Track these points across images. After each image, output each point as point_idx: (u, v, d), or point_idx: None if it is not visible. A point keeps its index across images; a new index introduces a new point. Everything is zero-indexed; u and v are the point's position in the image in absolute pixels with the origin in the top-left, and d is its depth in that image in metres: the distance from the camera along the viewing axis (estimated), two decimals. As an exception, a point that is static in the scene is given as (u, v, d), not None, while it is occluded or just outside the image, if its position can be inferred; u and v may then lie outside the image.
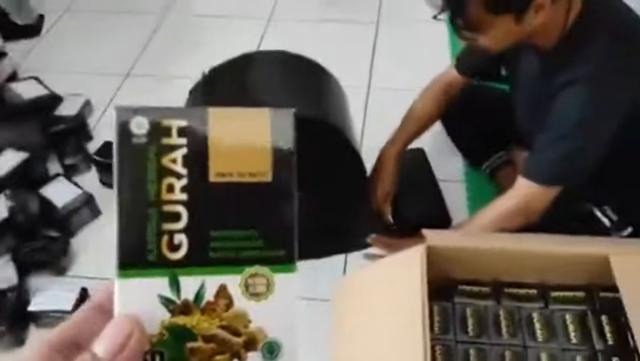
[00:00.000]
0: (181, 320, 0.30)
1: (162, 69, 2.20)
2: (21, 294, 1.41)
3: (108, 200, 1.67)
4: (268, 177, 0.31)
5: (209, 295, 0.30)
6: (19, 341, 1.37)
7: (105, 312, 0.30)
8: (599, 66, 1.09)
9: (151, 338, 0.29)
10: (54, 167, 1.75)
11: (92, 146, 1.81)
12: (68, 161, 1.75)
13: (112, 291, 0.30)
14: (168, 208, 0.30)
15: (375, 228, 1.47)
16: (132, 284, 0.30)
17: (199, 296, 0.30)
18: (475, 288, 1.00)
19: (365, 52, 2.24)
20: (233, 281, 0.31)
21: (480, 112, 1.56)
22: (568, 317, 0.96)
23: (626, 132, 1.17)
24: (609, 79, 1.10)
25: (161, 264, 0.30)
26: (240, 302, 0.31)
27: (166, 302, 0.30)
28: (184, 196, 0.30)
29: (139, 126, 0.30)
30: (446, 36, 2.28)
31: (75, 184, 1.65)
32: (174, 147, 0.30)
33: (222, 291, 0.30)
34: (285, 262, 0.31)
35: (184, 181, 0.30)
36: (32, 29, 2.36)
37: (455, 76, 1.47)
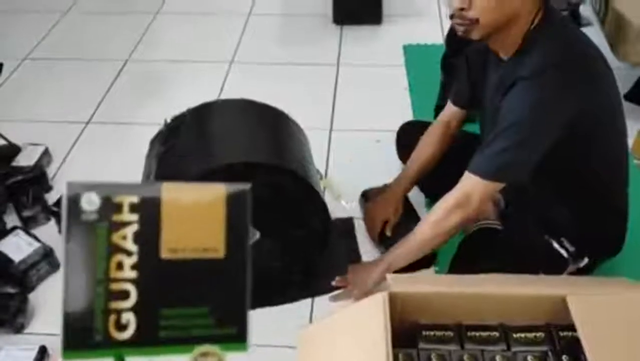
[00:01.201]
0: None
1: (124, 116, 2.19)
2: (-24, 355, 1.36)
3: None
4: (221, 254, 0.31)
5: None
6: (-25, 405, 1.32)
7: None
8: (542, 64, 1.14)
9: None
10: (11, 219, 1.72)
11: (52, 197, 1.78)
12: (26, 213, 1.72)
13: None
14: (116, 286, 0.29)
15: (340, 270, 1.48)
16: None
17: None
18: (439, 333, 1.01)
19: (327, 94, 2.27)
20: None
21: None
22: (530, 359, 0.97)
23: (577, 155, 1.21)
24: (549, 78, 1.14)
25: (108, 345, 0.29)
26: None
27: None
28: (133, 274, 0.30)
29: (90, 203, 0.29)
30: (405, 79, 2.33)
31: (34, 237, 1.61)
32: (125, 224, 0.29)
33: None
34: (236, 340, 0.31)
35: (134, 258, 0.30)
36: (-11, 80, 2.33)
37: (452, 113, 1.53)
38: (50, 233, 1.69)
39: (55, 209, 1.68)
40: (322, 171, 1.82)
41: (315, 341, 1.05)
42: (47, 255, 1.58)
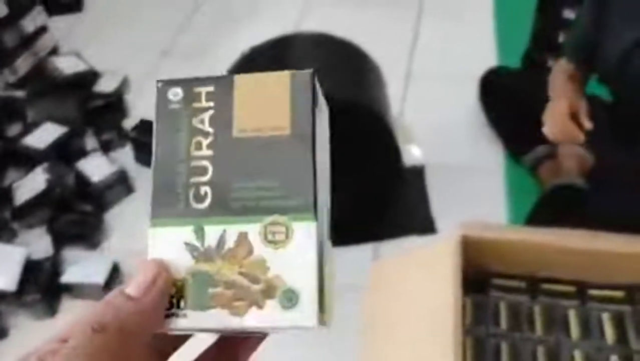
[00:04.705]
0: (204, 266, 0.32)
1: (201, 47, 2.20)
2: (56, 265, 1.43)
3: (142, 177, 1.68)
4: (287, 131, 0.33)
5: (230, 243, 0.32)
6: (52, 311, 1.40)
7: None
8: None
9: (176, 282, 0.32)
10: (90, 142, 1.77)
11: (129, 123, 1.82)
12: (104, 137, 1.77)
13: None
14: (196, 163, 0.33)
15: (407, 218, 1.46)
16: (162, 232, 0.32)
17: (220, 243, 0.32)
18: (510, 282, 0.98)
19: (406, 37, 2.20)
20: (253, 230, 0.32)
21: (527, 102, 1.50)
22: (605, 317, 0.93)
23: None
24: None
25: (188, 214, 0.32)
26: (260, 250, 0.32)
27: (191, 249, 0.32)
28: (209, 152, 0.33)
29: (175, 95, 0.34)
30: (491, 23, 2.22)
31: (111, 160, 1.66)
32: (202, 110, 0.34)
33: (242, 239, 0.32)
34: (304, 211, 0.32)
35: (210, 139, 0.33)
36: (75, 5, 2.39)
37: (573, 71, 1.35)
38: (126, 157, 1.74)
39: (132, 135, 1.73)
40: (395, 113, 1.78)
41: (383, 280, 1.05)
42: (122, 178, 1.64)
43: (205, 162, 0.33)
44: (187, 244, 0.32)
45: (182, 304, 0.31)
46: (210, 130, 0.33)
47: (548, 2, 1.86)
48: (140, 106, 1.92)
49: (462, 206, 1.54)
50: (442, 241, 0.97)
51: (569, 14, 1.86)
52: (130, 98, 1.96)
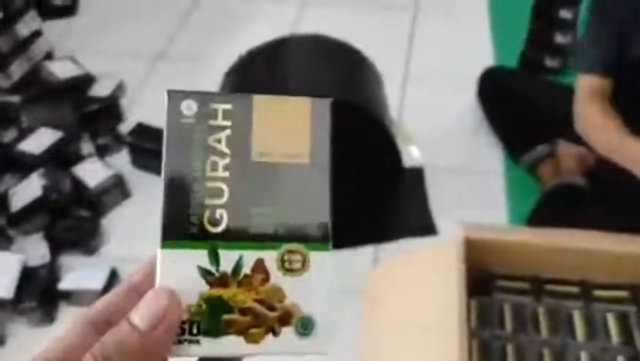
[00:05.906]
0: (218, 291, 0.31)
1: (197, 50, 2.19)
2: (53, 271, 1.42)
3: (139, 182, 1.67)
4: (305, 159, 0.33)
5: (246, 269, 0.31)
6: (49, 318, 1.38)
7: (141, 294, 0.31)
8: None
9: (189, 308, 0.31)
10: (86, 147, 1.76)
11: (125, 127, 1.81)
12: (100, 142, 1.76)
13: (149, 273, 0.31)
14: (211, 184, 0.32)
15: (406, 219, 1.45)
16: (173, 254, 0.31)
17: (236, 269, 0.31)
18: (514, 284, 0.98)
19: (402, 39, 2.20)
20: (270, 257, 0.32)
21: (526, 101, 1.50)
22: (610, 317, 0.93)
23: None
24: None
25: (202, 237, 0.31)
26: (276, 277, 0.32)
27: (205, 274, 0.31)
28: (226, 174, 0.32)
29: (188, 108, 0.32)
30: (487, 24, 2.22)
31: (107, 164, 1.65)
32: (219, 128, 0.32)
33: (259, 265, 0.32)
34: (320, 240, 0.32)
35: (227, 160, 0.32)
36: (69, 9, 2.37)
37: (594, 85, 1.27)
38: (122, 161, 1.73)
39: (129, 139, 1.71)
40: (394, 114, 1.77)
41: (384, 284, 1.04)
42: (118, 183, 1.62)
43: (221, 184, 0.32)
44: (200, 268, 0.31)
45: (194, 330, 0.30)
46: (227, 151, 0.32)
47: (544, 2, 1.86)
48: (137, 110, 1.91)
49: (462, 207, 1.54)
50: (445, 243, 0.96)
51: (565, 14, 1.86)
52: (125, 102, 1.95)
